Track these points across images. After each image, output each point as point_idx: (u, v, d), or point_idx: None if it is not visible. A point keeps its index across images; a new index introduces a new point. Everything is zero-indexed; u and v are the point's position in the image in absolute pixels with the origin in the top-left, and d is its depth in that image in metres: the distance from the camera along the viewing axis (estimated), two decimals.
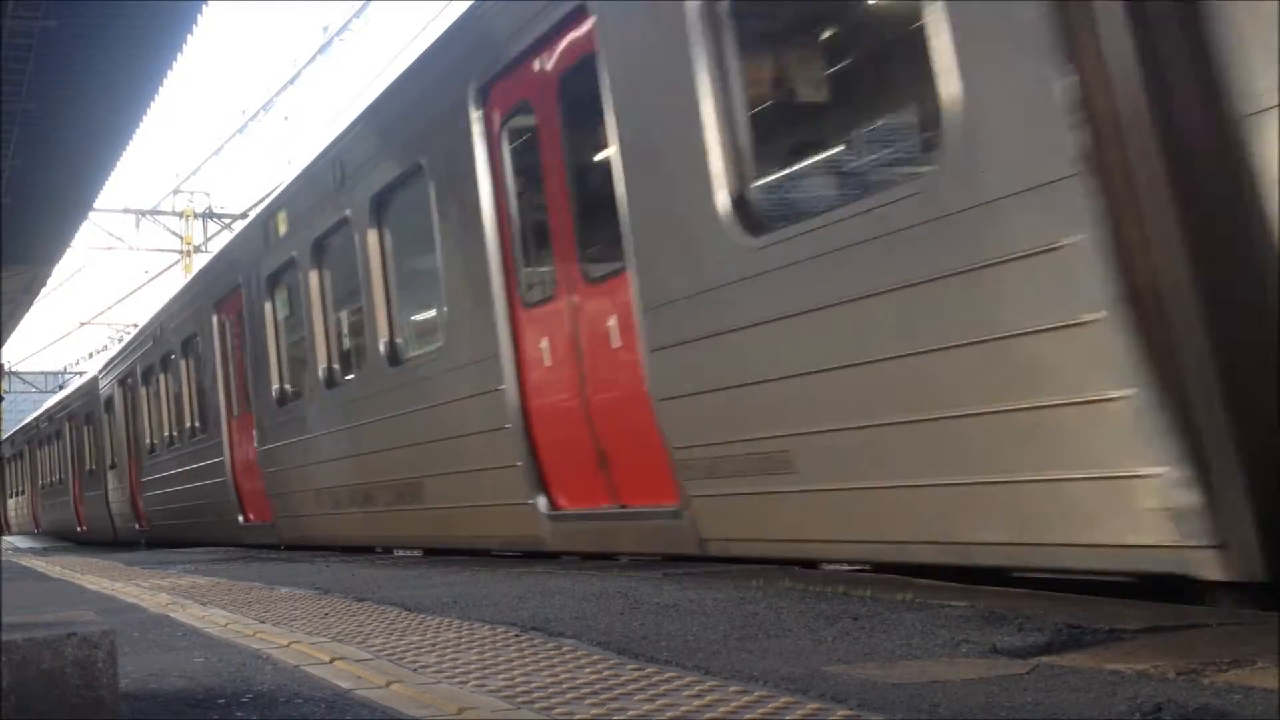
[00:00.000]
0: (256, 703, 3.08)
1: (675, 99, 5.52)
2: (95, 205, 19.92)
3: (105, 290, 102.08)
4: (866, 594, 4.38)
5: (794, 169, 5.82)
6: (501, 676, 3.22)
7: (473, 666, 3.41)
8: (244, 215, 28.60)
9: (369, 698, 3.04)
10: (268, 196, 15.21)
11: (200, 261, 27.13)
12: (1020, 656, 3.16)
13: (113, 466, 22.06)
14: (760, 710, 2.63)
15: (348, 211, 9.49)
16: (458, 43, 7.60)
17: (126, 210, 31.93)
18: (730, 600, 4.53)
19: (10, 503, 35.58)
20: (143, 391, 19.01)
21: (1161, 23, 3.67)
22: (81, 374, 29.05)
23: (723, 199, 5.33)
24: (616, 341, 6.34)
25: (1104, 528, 3.88)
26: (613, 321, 6.34)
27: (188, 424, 16.29)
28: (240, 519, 14.07)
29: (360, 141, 9.36)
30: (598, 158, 6.44)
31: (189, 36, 11.14)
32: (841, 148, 5.68)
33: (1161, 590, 3.99)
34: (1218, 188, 3.57)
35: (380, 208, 9.00)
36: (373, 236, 9.10)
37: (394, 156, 8.66)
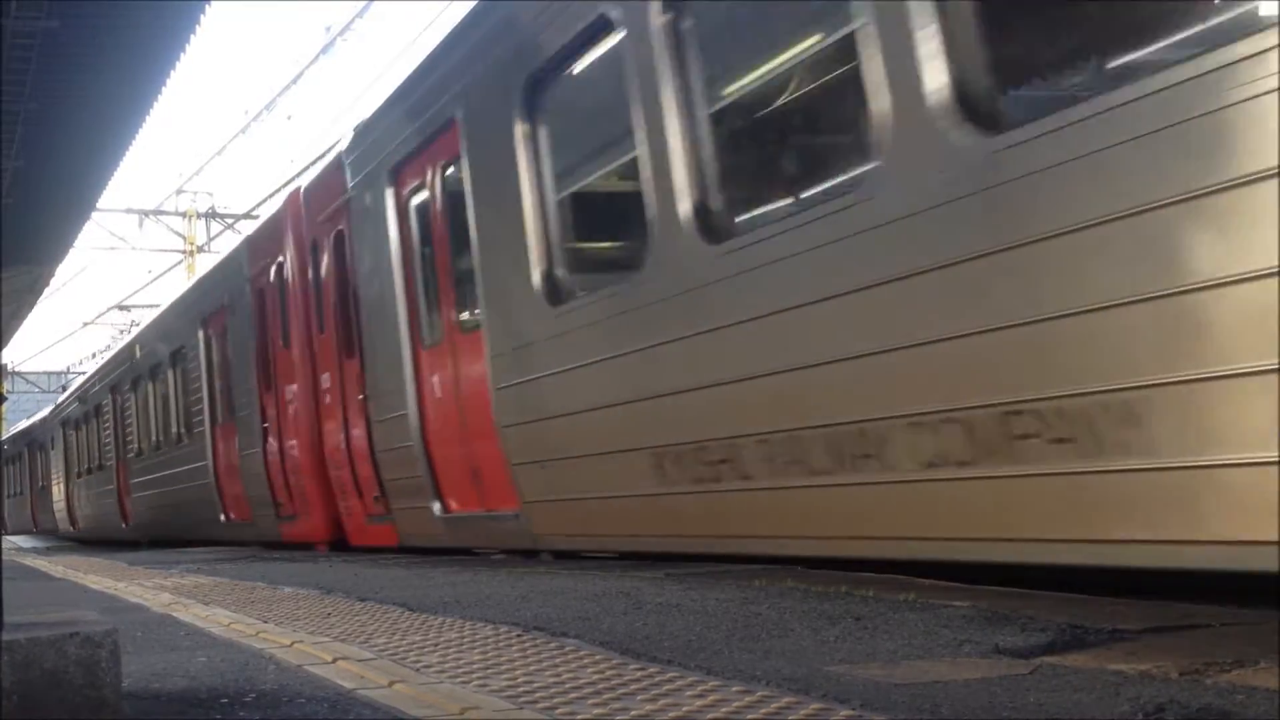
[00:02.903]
0: (259, 702, 3.08)
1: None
2: (98, 205, 19.94)
3: (108, 290, 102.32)
4: (869, 594, 4.38)
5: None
6: (504, 676, 3.22)
7: (475, 666, 3.41)
8: (248, 215, 28.61)
9: (372, 697, 3.05)
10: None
11: (203, 261, 27.15)
12: (1023, 657, 3.15)
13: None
14: (763, 710, 2.63)
15: None
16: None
17: (129, 210, 32.00)
18: (733, 600, 4.53)
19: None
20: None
21: None
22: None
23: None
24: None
25: None
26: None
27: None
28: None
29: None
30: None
31: (192, 36, 11.16)
32: None
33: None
34: None
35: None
36: None
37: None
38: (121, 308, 34.64)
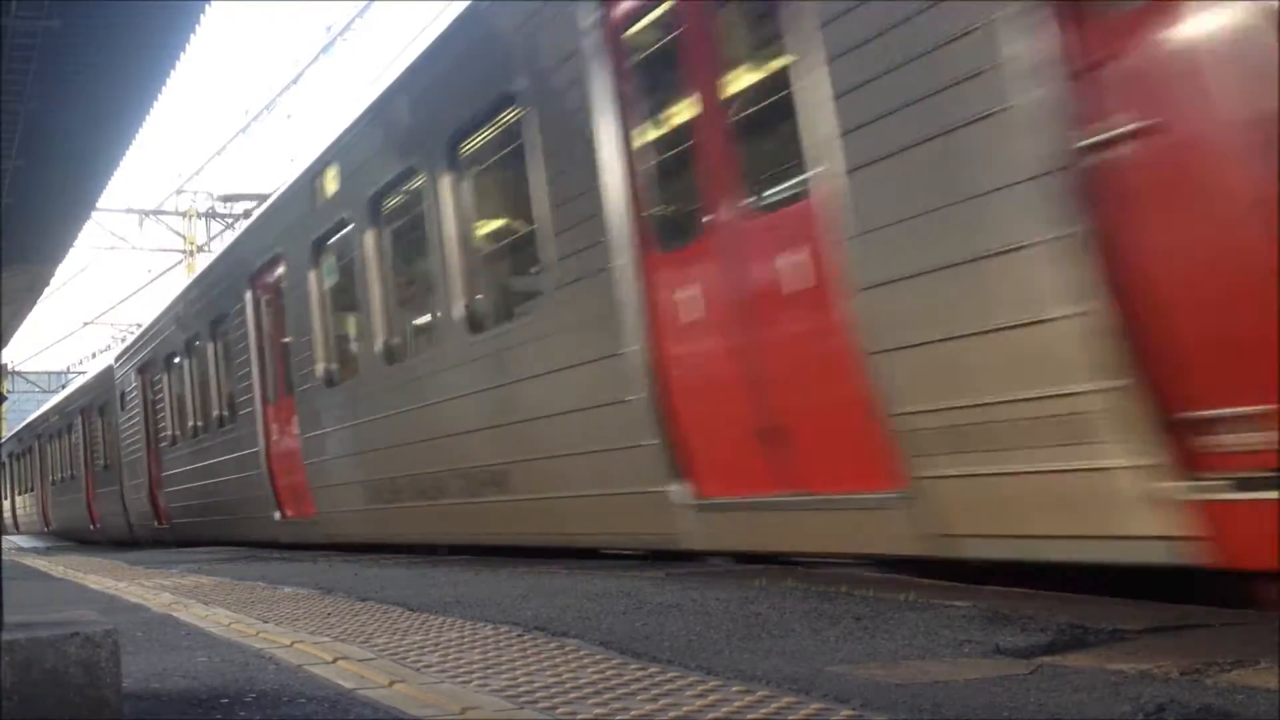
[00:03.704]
0: (259, 702, 3.08)
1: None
2: (98, 205, 19.96)
3: (108, 290, 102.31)
4: (869, 594, 4.38)
5: None
6: (504, 676, 3.22)
7: (476, 666, 3.41)
8: (247, 215, 28.62)
9: (372, 697, 3.05)
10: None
11: (204, 261, 27.11)
12: (1023, 656, 3.16)
13: None
14: (763, 710, 2.63)
15: None
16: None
17: (129, 210, 31.95)
18: (733, 600, 4.53)
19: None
20: None
21: None
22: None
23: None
24: None
25: None
26: None
27: None
28: None
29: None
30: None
31: (192, 36, 11.17)
32: None
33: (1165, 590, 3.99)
34: None
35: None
36: None
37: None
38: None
